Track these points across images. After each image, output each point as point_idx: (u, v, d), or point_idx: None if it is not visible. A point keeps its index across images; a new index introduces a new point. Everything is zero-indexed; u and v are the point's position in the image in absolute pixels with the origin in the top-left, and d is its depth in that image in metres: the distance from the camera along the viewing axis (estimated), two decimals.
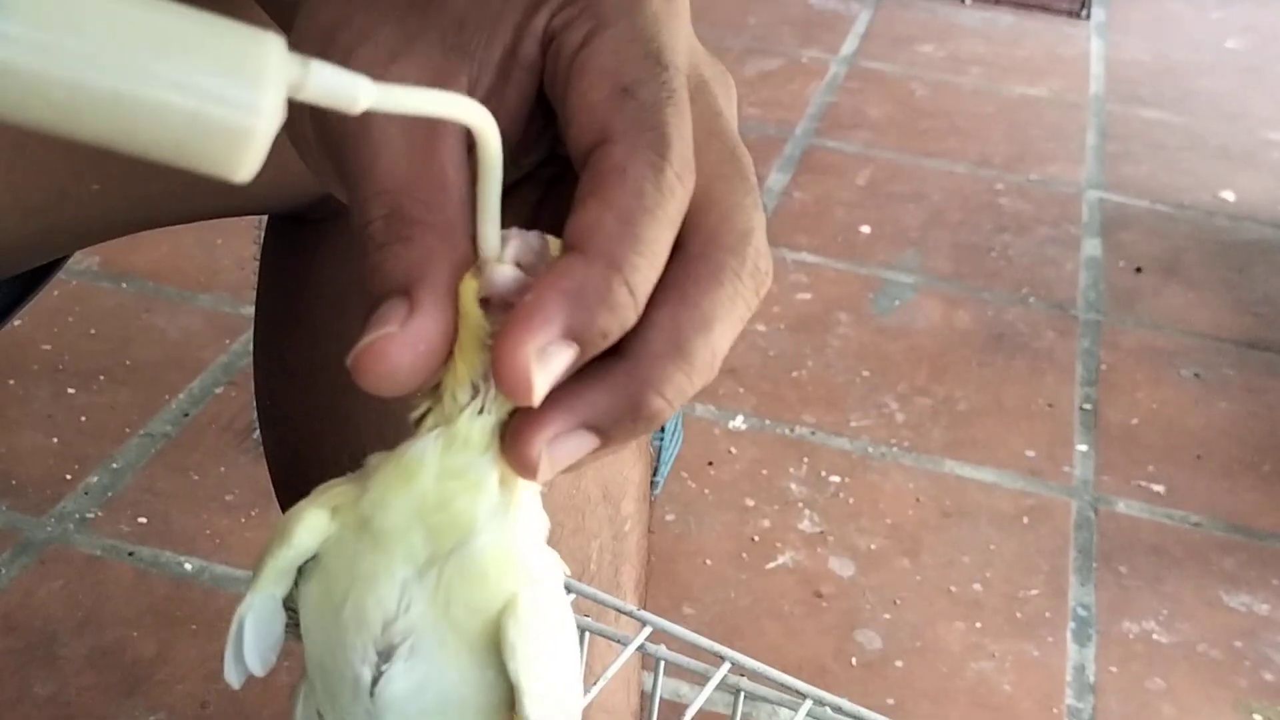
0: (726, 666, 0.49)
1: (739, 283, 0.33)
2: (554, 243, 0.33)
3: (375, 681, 0.34)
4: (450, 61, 0.35)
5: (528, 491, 0.35)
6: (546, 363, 0.31)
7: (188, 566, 1.12)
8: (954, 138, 2.02)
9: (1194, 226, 1.84)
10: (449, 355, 0.32)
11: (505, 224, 0.35)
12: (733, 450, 1.33)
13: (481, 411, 0.33)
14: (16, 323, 1.39)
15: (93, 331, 1.39)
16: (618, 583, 0.64)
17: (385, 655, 0.34)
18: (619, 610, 0.53)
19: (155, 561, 1.12)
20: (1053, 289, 1.66)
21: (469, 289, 0.32)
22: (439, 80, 0.34)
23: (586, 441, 0.33)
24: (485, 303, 0.32)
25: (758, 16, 2.38)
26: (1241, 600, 1.21)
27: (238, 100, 0.26)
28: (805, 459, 1.32)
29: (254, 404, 1.26)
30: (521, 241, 0.33)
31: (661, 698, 0.51)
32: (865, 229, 1.75)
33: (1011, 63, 2.31)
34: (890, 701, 1.06)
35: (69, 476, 1.20)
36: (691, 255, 0.33)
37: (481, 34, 0.35)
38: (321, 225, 0.66)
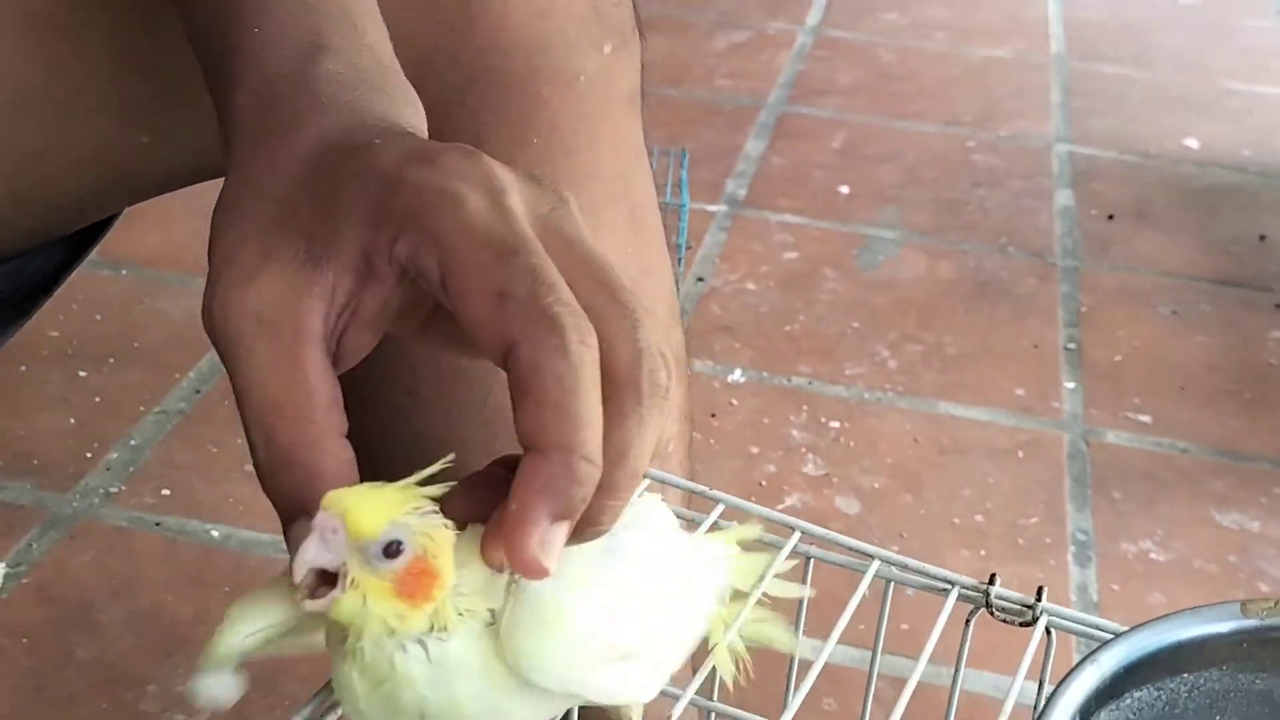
0: (796, 536, 0.52)
1: (640, 409, 0.38)
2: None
3: None
4: (305, 273, 0.39)
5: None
6: (548, 546, 0.37)
7: (215, 534, 1.15)
8: (923, 100, 2.07)
9: (1161, 174, 1.89)
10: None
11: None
12: (734, 402, 1.36)
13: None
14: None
15: (98, 317, 1.41)
16: (665, 454, 0.67)
17: None
18: (688, 490, 0.56)
19: (182, 530, 1.15)
20: (1030, 238, 1.70)
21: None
22: (296, 291, 0.39)
23: (561, 529, 0.38)
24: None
25: None
26: (1233, 519, 1.25)
27: None
28: (804, 407, 1.36)
29: None
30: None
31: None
32: (844, 189, 1.79)
33: (974, 26, 2.36)
34: (905, 627, 1.10)
35: (89, 455, 1.22)
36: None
37: (329, 247, 0.39)
38: None
